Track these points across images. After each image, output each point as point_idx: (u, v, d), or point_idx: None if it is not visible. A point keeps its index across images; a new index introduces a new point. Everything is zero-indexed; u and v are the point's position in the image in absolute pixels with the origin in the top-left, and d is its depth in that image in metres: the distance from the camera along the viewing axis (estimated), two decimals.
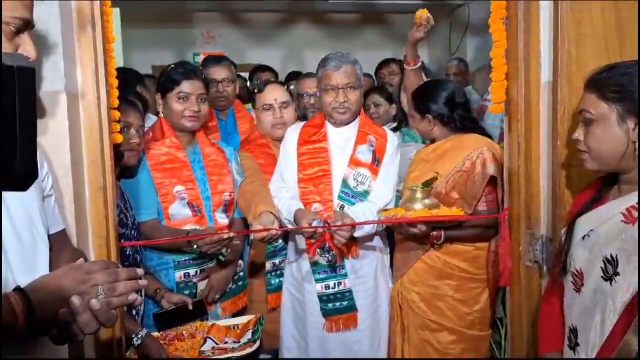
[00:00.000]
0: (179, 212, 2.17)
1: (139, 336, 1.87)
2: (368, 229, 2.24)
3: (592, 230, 1.42)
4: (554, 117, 1.80)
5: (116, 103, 1.76)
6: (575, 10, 1.73)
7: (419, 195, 2.15)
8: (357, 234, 2.20)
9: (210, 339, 2.02)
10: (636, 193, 1.37)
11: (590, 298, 1.38)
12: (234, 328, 2.08)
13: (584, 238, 1.43)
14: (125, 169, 2.07)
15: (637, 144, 1.34)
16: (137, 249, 2.00)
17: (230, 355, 1.94)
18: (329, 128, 2.36)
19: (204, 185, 2.25)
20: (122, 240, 1.86)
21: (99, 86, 1.65)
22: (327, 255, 2.26)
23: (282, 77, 4.65)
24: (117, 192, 1.81)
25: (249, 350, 1.95)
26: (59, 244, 1.38)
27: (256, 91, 2.64)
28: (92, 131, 1.65)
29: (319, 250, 2.23)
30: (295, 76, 4.07)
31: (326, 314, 2.31)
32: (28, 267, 1.17)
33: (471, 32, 4.90)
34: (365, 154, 2.31)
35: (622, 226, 1.35)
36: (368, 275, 2.34)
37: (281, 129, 2.50)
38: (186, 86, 2.21)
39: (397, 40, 5.65)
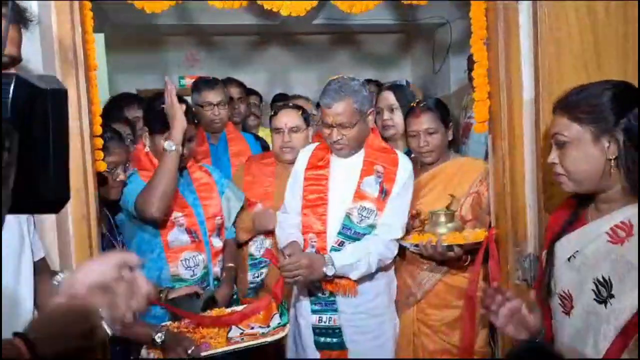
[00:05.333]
0: (178, 239, 2.16)
1: (161, 333, 1.80)
2: (363, 270, 2.10)
3: (577, 251, 1.41)
4: (536, 134, 1.82)
5: (99, 130, 1.75)
6: (553, 30, 1.77)
7: (442, 219, 2.14)
8: (352, 276, 2.10)
9: (235, 325, 1.97)
10: (618, 211, 1.37)
11: (582, 320, 1.37)
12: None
13: (569, 259, 1.42)
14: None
15: (612, 161, 1.34)
16: None
17: (262, 340, 1.89)
18: (334, 155, 2.25)
19: (196, 209, 2.24)
20: None
21: (81, 114, 1.65)
22: (321, 287, 2.17)
23: (268, 98, 4.67)
24: (104, 221, 1.80)
25: (281, 334, 1.92)
26: (42, 271, 1.37)
27: (272, 114, 2.71)
28: (75, 159, 1.63)
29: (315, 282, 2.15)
30: (281, 97, 4.08)
31: (318, 347, 2.22)
32: (10, 292, 1.14)
33: (454, 50, 4.95)
34: (371, 186, 2.17)
35: (608, 246, 1.35)
36: (369, 312, 2.20)
37: (289, 152, 2.51)
38: None
39: (375, 59, 5.72)
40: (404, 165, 2.20)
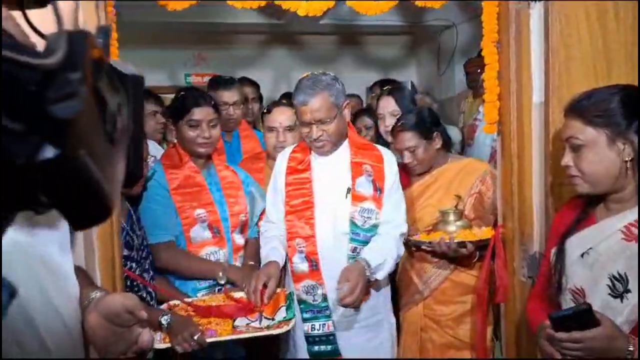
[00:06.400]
0: (200, 235, 2.18)
1: (167, 316, 1.81)
2: (388, 269, 2.07)
3: (590, 248, 1.46)
4: (545, 136, 1.87)
5: None
6: (564, 35, 1.81)
7: (451, 217, 2.20)
8: (379, 276, 2.03)
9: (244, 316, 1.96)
10: (630, 210, 1.43)
11: None
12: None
13: (582, 256, 1.48)
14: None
15: (628, 162, 1.40)
16: (146, 267, 2.00)
17: (266, 332, 1.88)
18: (314, 156, 2.20)
19: (221, 206, 2.26)
20: (127, 262, 1.88)
21: None
22: (313, 294, 2.12)
23: (273, 97, 4.70)
24: (123, 214, 1.84)
25: (285, 328, 1.89)
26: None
27: (265, 112, 2.68)
28: None
29: (302, 287, 2.12)
30: (288, 97, 4.10)
31: (312, 356, 2.16)
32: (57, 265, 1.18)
33: (459, 53, 5.00)
34: (364, 187, 2.13)
35: (623, 244, 1.40)
36: (368, 311, 2.16)
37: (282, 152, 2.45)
38: (196, 113, 2.20)
39: (381, 60, 5.76)
40: (389, 160, 2.21)
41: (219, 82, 3.00)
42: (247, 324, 1.94)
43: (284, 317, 1.94)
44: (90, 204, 0.39)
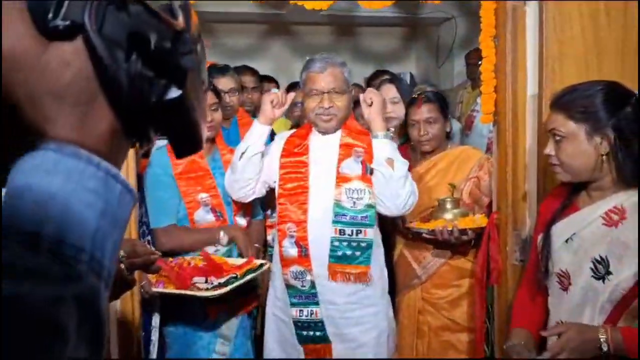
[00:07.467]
0: (203, 218, 2.25)
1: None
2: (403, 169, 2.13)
3: (574, 234, 1.57)
4: (538, 127, 1.97)
5: None
6: (558, 32, 1.92)
7: (448, 205, 2.28)
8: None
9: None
10: (610, 198, 1.54)
11: (580, 296, 1.54)
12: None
13: (567, 241, 1.58)
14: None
15: (604, 156, 1.50)
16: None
17: (197, 292, 1.92)
18: (313, 139, 2.18)
19: (224, 190, 2.30)
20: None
21: None
22: (301, 279, 2.11)
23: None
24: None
25: (211, 293, 1.90)
26: None
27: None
28: None
29: (291, 272, 2.11)
30: (295, 86, 4.12)
31: (301, 341, 2.14)
32: None
33: (458, 45, 5.06)
34: (351, 167, 2.09)
35: (604, 229, 1.52)
36: (361, 301, 2.13)
37: None
38: None
39: (380, 52, 5.82)
40: None
41: (214, 70, 3.04)
42: (194, 283, 1.97)
43: (219, 283, 1.94)
44: (190, 138, 0.49)
